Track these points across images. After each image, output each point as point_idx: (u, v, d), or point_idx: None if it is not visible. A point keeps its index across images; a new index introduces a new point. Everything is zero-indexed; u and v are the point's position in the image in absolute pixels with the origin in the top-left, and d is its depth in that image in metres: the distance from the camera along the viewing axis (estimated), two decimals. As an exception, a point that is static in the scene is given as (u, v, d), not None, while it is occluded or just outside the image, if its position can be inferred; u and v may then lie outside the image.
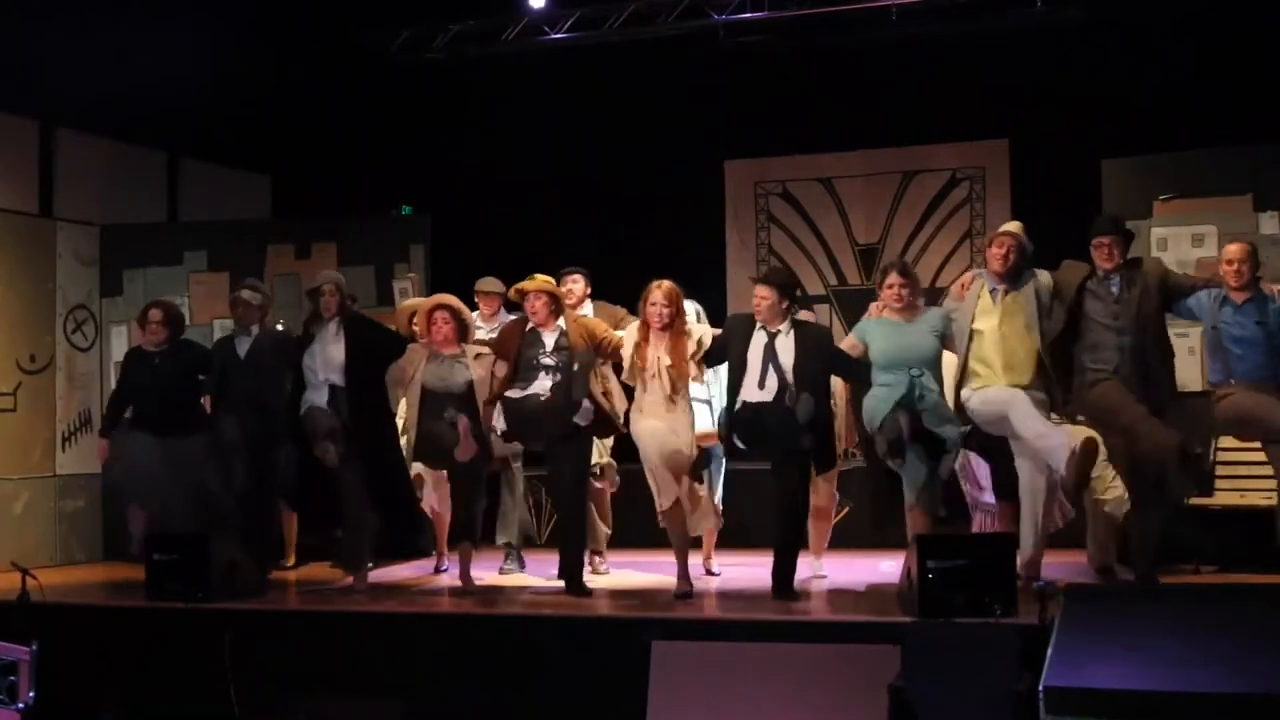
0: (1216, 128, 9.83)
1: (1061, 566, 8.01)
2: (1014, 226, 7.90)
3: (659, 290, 7.92)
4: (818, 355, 7.78)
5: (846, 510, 9.55)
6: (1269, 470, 8.38)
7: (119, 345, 10.71)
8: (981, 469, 8.23)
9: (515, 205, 12.02)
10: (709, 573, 8.82)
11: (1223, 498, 8.44)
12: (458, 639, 7.31)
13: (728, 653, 6.76)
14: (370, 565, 8.75)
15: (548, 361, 8.15)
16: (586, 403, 8.05)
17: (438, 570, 9.33)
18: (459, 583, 8.47)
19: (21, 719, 6.55)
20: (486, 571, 8.92)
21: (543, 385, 8.09)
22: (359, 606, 7.96)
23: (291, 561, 9.67)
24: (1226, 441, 8.41)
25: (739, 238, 12.11)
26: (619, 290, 8.43)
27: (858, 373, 7.88)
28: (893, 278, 7.85)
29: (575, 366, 8.06)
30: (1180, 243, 9.18)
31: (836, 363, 7.95)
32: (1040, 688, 5.49)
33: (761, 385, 7.72)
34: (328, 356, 8.48)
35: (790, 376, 7.65)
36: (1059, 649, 5.67)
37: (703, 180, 12.06)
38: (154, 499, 8.90)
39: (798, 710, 6.48)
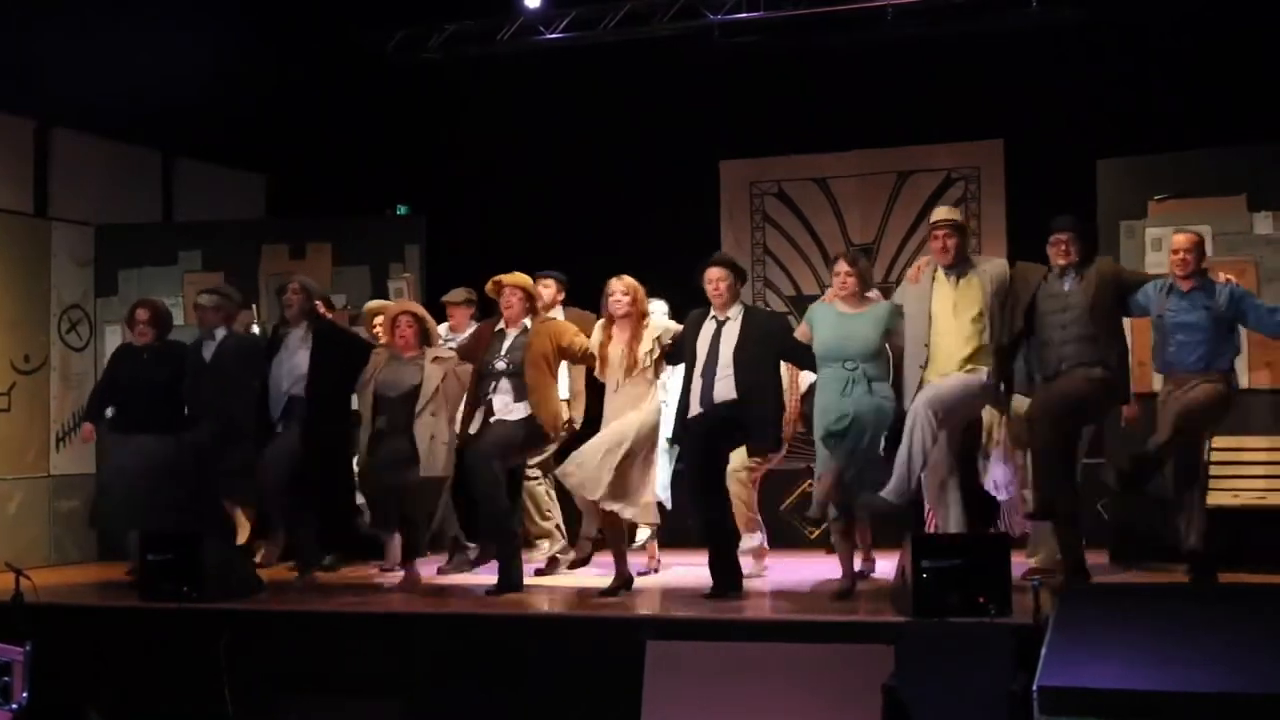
0: (1212, 128, 9.84)
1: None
2: (944, 212, 7.88)
3: (618, 281, 8.00)
4: (762, 341, 7.75)
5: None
6: (1262, 470, 8.44)
7: (114, 345, 10.67)
8: (999, 469, 8.19)
9: (511, 205, 12.02)
10: (654, 570, 8.93)
11: (1215, 498, 8.43)
12: (453, 639, 7.30)
13: (722, 652, 6.76)
14: (325, 562, 8.83)
15: (500, 365, 8.19)
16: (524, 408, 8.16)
17: (385, 570, 9.35)
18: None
19: (15, 719, 6.55)
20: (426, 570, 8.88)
21: (499, 397, 8.16)
22: (354, 607, 7.95)
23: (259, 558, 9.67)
24: (1219, 441, 8.42)
25: (734, 238, 12.10)
26: (614, 290, 8.43)
27: (811, 361, 7.84)
28: (840, 265, 7.81)
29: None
30: (1175, 243, 9.19)
31: (788, 350, 7.92)
32: (1035, 687, 5.50)
33: (704, 374, 7.75)
34: (292, 365, 8.52)
35: (731, 367, 7.69)
36: (1053, 648, 5.67)
37: (698, 180, 12.06)
38: (140, 509, 8.86)
39: (792, 710, 6.48)
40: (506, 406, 8.17)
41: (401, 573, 8.61)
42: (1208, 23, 10.33)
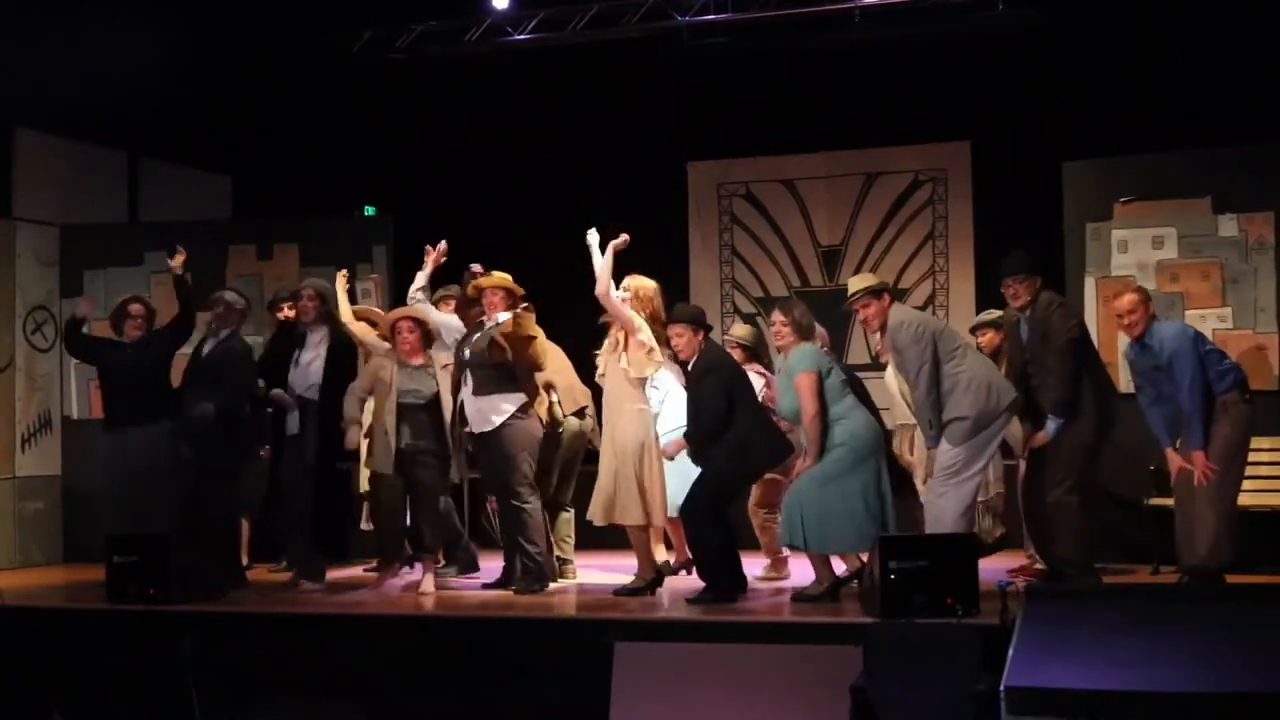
0: (1177, 131, 9.90)
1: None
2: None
3: (629, 278, 8.23)
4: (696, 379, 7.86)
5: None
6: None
7: (78, 347, 10.66)
8: None
9: (479, 206, 11.98)
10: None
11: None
12: (420, 640, 7.30)
13: (690, 654, 6.77)
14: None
15: (465, 355, 8.28)
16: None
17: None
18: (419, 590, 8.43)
19: (-21, 723, 6.52)
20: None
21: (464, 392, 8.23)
22: (320, 608, 7.94)
23: (245, 562, 9.63)
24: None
25: (702, 239, 12.10)
26: (582, 290, 8.40)
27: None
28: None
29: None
30: (1140, 245, 9.24)
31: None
32: (1001, 688, 5.52)
33: None
34: (309, 370, 8.63)
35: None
36: (1020, 649, 5.69)
37: (666, 181, 12.06)
38: (144, 509, 8.80)
39: (760, 711, 6.49)
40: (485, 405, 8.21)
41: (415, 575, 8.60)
42: (1173, 27, 10.38)
